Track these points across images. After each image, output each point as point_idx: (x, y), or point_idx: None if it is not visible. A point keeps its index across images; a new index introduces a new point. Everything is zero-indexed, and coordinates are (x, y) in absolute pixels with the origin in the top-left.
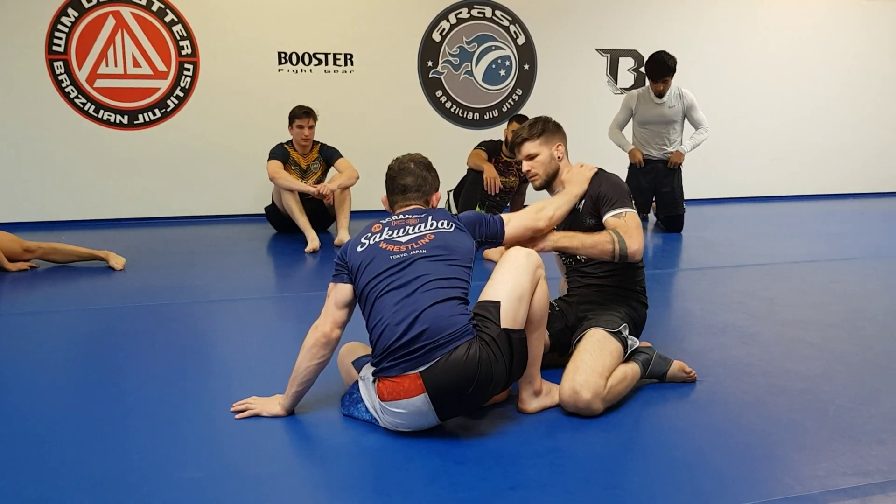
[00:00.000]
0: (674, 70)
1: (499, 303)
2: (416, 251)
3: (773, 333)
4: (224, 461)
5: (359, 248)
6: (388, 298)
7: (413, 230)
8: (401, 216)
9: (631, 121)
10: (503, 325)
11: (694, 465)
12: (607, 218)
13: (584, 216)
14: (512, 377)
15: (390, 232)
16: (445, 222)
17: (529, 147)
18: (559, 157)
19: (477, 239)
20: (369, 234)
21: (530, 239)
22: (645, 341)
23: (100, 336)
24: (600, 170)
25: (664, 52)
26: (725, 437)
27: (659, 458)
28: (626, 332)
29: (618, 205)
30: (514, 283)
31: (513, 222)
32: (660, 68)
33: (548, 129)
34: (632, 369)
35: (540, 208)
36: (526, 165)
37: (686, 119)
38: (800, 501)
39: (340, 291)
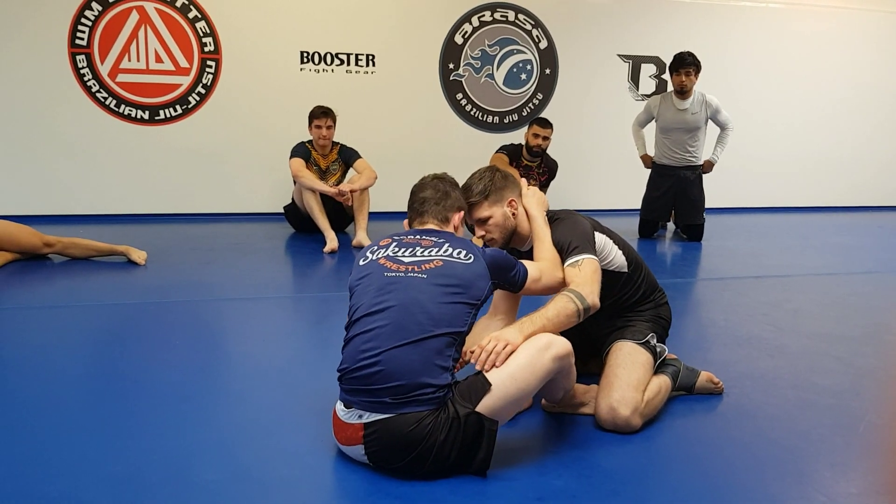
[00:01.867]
0: (693, 63)
1: (489, 387)
2: (415, 274)
3: (799, 346)
4: (243, 463)
5: (361, 262)
6: (366, 322)
7: (423, 253)
8: (414, 235)
9: (654, 127)
10: (478, 409)
11: (722, 480)
12: (565, 267)
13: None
14: (474, 464)
15: (397, 249)
16: (464, 252)
17: (479, 211)
18: (514, 213)
19: (494, 281)
20: (375, 248)
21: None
22: (671, 353)
23: (118, 332)
24: (562, 214)
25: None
26: (755, 452)
27: (687, 472)
28: (653, 341)
29: (574, 252)
30: (524, 381)
31: (542, 282)
32: (679, 59)
33: (495, 185)
34: (664, 382)
35: (556, 260)
36: (479, 231)
37: (712, 123)
38: None
39: None
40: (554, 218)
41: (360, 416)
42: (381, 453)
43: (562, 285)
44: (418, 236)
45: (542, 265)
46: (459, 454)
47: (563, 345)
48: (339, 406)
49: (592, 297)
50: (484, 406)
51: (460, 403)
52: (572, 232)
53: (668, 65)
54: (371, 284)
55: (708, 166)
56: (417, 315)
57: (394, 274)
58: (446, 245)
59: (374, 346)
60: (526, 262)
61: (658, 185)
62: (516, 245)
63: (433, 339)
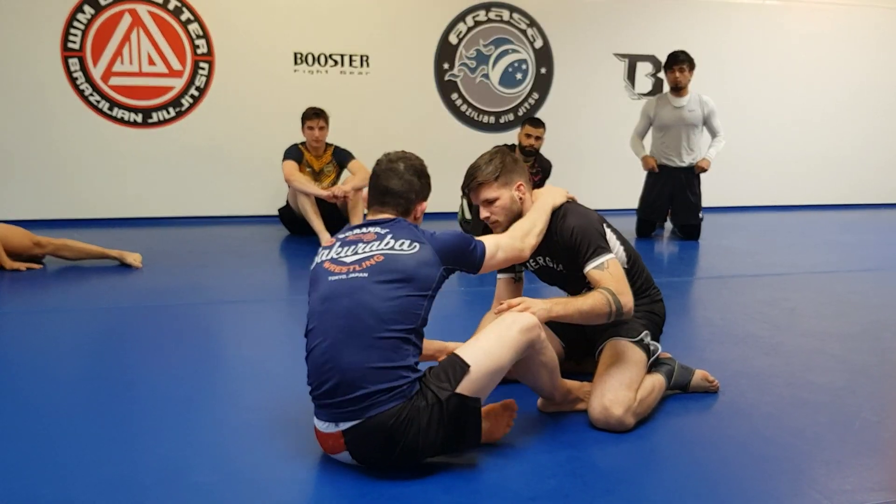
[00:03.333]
0: (686, 60)
1: (468, 368)
2: (356, 274)
3: (795, 344)
4: (237, 465)
5: (312, 266)
6: (317, 333)
7: (364, 249)
8: (360, 230)
9: (651, 129)
10: (458, 390)
11: (718, 478)
12: (589, 270)
13: (556, 265)
14: (460, 444)
15: (340, 249)
16: (407, 242)
17: (487, 192)
18: (521, 198)
19: (448, 266)
20: (321, 251)
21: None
22: (666, 352)
23: (112, 336)
24: (568, 204)
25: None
26: (749, 450)
27: (681, 471)
28: (647, 339)
29: (596, 253)
30: (497, 355)
31: (498, 256)
32: (673, 56)
33: (505, 167)
34: (658, 381)
35: (525, 233)
36: (484, 212)
37: (705, 126)
38: None
39: None
40: (561, 210)
41: (337, 425)
42: (367, 455)
43: (520, 257)
44: (362, 230)
45: (500, 239)
46: (446, 436)
47: (528, 318)
48: (315, 419)
49: (629, 307)
50: (464, 385)
51: (437, 386)
52: (586, 229)
53: (663, 63)
54: (318, 292)
55: (703, 164)
56: (365, 318)
57: (336, 277)
58: (388, 237)
59: (330, 359)
60: (483, 238)
61: (655, 184)
62: None
63: (385, 339)
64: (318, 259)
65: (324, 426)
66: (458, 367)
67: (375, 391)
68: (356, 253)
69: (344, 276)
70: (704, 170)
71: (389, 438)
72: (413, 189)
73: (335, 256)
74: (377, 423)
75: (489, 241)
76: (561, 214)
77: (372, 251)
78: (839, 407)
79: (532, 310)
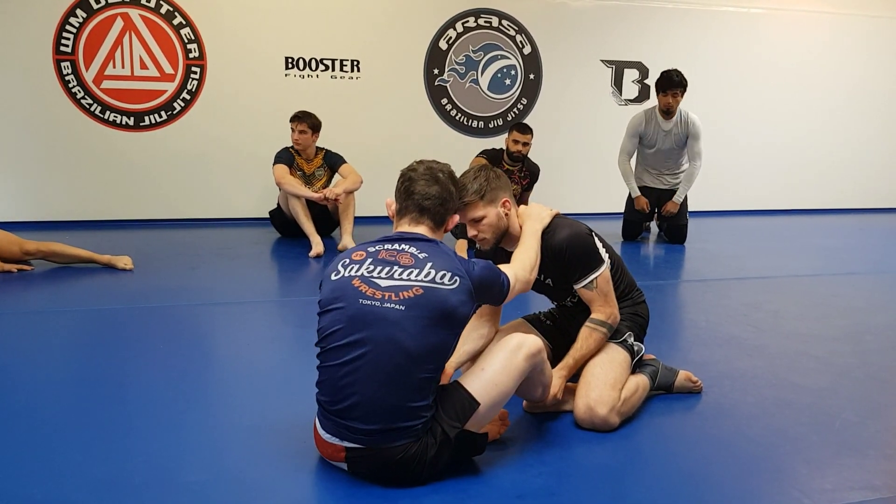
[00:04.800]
0: (680, 84)
1: (477, 406)
2: (391, 305)
3: (778, 346)
4: (227, 465)
5: (333, 276)
6: (339, 352)
7: (401, 274)
8: (394, 247)
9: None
10: (467, 426)
11: (700, 477)
12: (580, 289)
13: (545, 279)
14: (468, 458)
15: (372, 267)
16: (448, 276)
17: (473, 211)
18: (506, 214)
19: (479, 301)
20: (348, 263)
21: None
22: (650, 353)
23: (103, 337)
24: (554, 221)
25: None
26: (732, 449)
27: (665, 470)
28: (631, 340)
29: (586, 272)
30: (503, 384)
31: (516, 288)
32: (668, 79)
33: (490, 185)
34: (642, 381)
35: (532, 267)
36: (471, 230)
37: (685, 145)
38: None
39: None
40: (549, 227)
41: (342, 441)
42: (366, 474)
43: (527, 289)
44: (396, 247)
45: (515, 270)
46: (451, 461)
47: (534, 343)
48: (319, 425)
49: (613, 318)
50: (472, 423)
51: (447, 423)
52: (576, 246)
53: (655, 81)
54: (345, 310)
55: (671, 207)
56: (395, 356)
57: (369, 303)
58: (428, 266)
59: (351, 383)
60: (503, 268)
61: (643, 185)
62: (506, 246)
63: (412, 380)
64: (342, 270)
65: (327, 436)
66: (468, 403)
67: (392, 428)
68: (391, 277)
69: (377, 304)
70: (672, 213)
71: (394, 469)
72: (452, 198)
73: (366, 274)
74: (384, 454)
75: (508, 272)
76: (550, 232)
77: (411, 281)
78: (821, 408)
79: (559, 386)
